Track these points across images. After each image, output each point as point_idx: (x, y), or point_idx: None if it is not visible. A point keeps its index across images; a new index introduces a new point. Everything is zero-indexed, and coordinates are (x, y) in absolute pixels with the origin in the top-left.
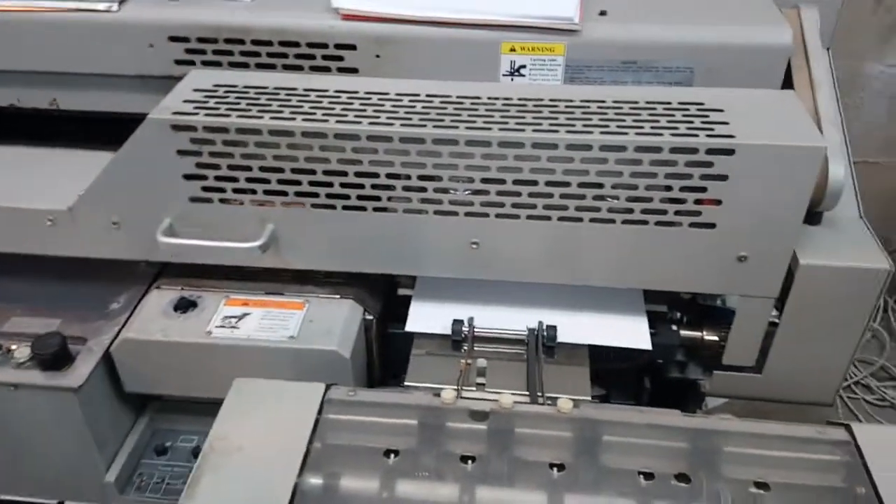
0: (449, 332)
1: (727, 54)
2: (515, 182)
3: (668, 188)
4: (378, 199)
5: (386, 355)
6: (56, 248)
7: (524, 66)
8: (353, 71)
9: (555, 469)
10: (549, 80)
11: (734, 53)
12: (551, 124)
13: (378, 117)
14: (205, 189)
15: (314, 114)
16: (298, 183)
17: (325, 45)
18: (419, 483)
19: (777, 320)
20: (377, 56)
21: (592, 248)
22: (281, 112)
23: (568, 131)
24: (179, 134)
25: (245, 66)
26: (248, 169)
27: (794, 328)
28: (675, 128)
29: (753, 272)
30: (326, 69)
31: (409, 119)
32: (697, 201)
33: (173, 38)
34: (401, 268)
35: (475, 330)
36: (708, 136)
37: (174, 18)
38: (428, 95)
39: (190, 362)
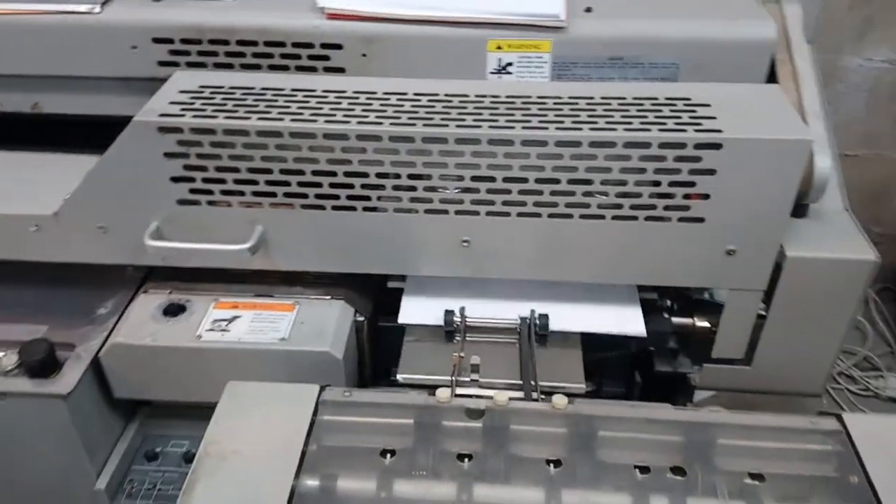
0: (441, 322)
1: (712, 49)
2: (505, 179)
3: (657, 183)
4: (368, 198)
5: (377, 349)
6: (41, 254)
7: (511, 64)
8: (340, 70)
9: (551, 465)
10: (537, 78)
11: (719, 49)
12: (540, 121)
13: (367, 116)
14: (192, 191)
15: (302, 114)
16: (287, 184)
17: (310, 45)
18: (416, 482)
19: (764, 313)
20: (363, 55)
21: (583, 244)
22: (268, 113)
23: (557, 128)
24: (166, 136)
25: (230, 66)
26: (236, 170)
27: (782, 320)
28: (663, 123)
29: (742, 265)
30: (312, 69)
31: (398, 118)
32: (686, 196)
33: (157, 40)
34: (392, 267)
35: (467, 320)
36: (696, 130)
37: (157, 20)
38: (416, 94)
39: (180, 367)
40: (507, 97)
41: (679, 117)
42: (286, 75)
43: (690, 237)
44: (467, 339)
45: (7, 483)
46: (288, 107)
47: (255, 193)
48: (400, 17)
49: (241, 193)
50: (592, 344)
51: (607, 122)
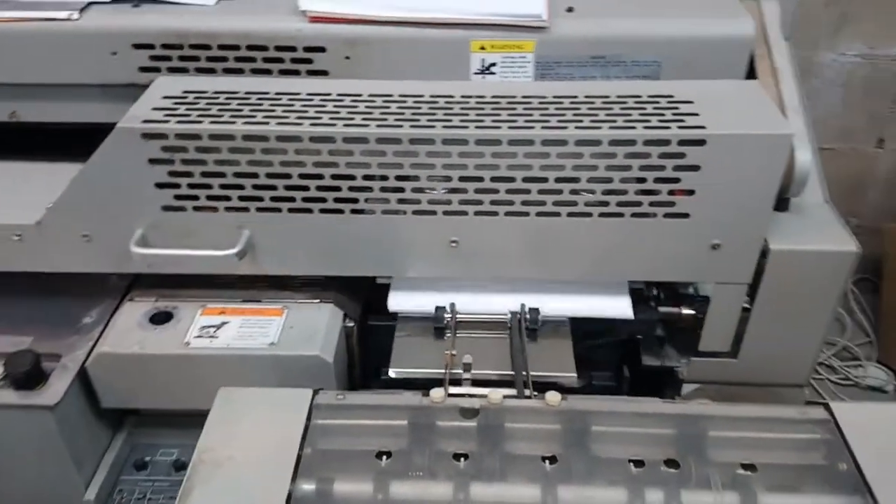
0: (430, 310)
1: (693, 47)
2: (493, 179)
3: (643, 180)
4: (355, 200)
5: (366, 350)
6: (24, 264)
7: (495, 64)
8: (323, 73)
9: (547, 462)
10: (520, 78)
11: (699, 46)
12: (526, 121)
13: (353, 119)
14: (178, 197)
15: (288, 117)
16: (274, 188)
17: (293, 48)
18: (413, 483)
19: (749, 306)
20: (347, 58)
21: (571, 242)
22: (253, 117)
23: (543, 127)
24: (150, 142)
25: (212, 71)
26: (222, 175)
27: (767, 312)
28: (647, 120)
29: (727, 259)
30: (296, 72)
31: (385, 120)
32: (671, 192)
33: (137, 46)
34: (381, 269)
35: (457, 316)
36: (679, 127)
37: (138, 25)
38: (401, 95)
39: (169, 374)
40: (493, 97)
41: (662, 114)
42: (270, 79)
43: (676, 233)
44: (458, 334)
45: None
46: (273, 110)
47: (242, 198)
48: (383, 19)
49: (228, 198)
50: (582, 334)
51: (592, 121)
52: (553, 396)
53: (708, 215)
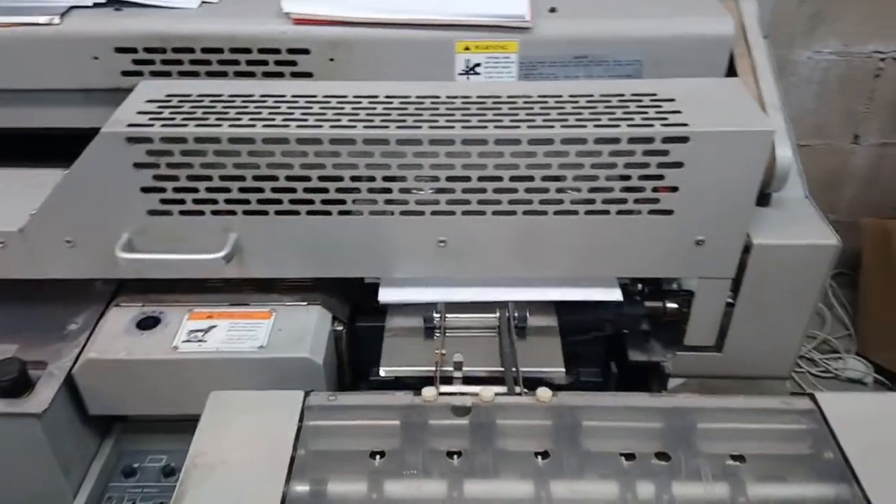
0: (421, 300)
1: (674, 46)
2: (480, 179)
3: (627, 177)
4: (343, 202)
5: (355, 351)
6: (8, 272)
7: (479, 65)
8: (308, 75)
9: (539, 457)
10: (504, 78)
11: (680, 45)
12: (512, 120)
13: (339, 120)
14: (163, 201)
15: (274, 119)
16: (261, 190)
17: (277, 51)
18: (407, 482)
19: (732, 301)
20: (331, 59)
21: (558, 240)
22: (239, 119)
23: (529, 126)
24: (135, 146)
25: (195, 74)
26: (209, 178)
27: (750, 306)
28: (631, 118)
29: (711, 254)
30: (280, 74)
31: (371, 121)
32: (655, 189)
33: (119, 49)
34: (369, 270)
35: (447, 317)
36: (662, 125)
37: (119, 29)
38: (387, 96)
39: (157, 379)
40: (478, 97)
41: (646, 112)
42: (255, 81)
43: (661, 229)
44: (447, 334)
45: None
46: (259, 112)
47: (228, 201)
48: (367, 20)
49: (214, 202)
50: (569, 330)
51: (577, 120)
52: (544, 393)
53: (692, 211)
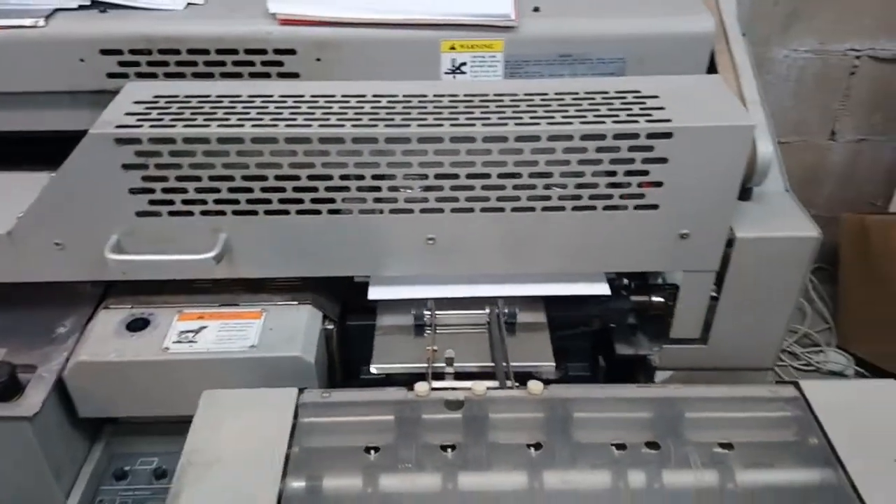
0: (410, 296)
1: (656, 44)
2: (468, 176)
3: (613, 173)
4: (332, 201)
5: (345, 349)
6: None
7: (465, 64)
8: (294, 76)
9: (532, 449)
10: (490, 76)
11: (662, 42)
12: (499, 118)
13: (328, 119)
14: (152, 202)
15: (262, 119)
16: (250, 190)
17: (263, 51)
18: (402, 476)
19: (716, 294)
20: (318, 60)
21: (546, 236)
22: (228, 119)
23: (516, 124)
24: (123, 147)
25: (181, 76)
26: (198, 179)
27: (734, 298)
28: (616, 115)
29: (695, 248)
30: (266, 75)
31: (360, 119)
32: (640, 184)
33: (105, 51)
34: (359, 269)
35: (437, 314)
36: (647, 121)
37: (105, 31)
38: (375, 96)
39: (148, 381)
40: (465, 96)
41: (630, 109)
42: (242, 82)
43: (646, 224)
44: (437, 331)
45: None
46: (247, 113)
47: (218, 201)
48: (353, 20)
49: (203, 202)
50: (557, 325)
51: (563, 117)
52: (535, 385)
53: (676, 206)
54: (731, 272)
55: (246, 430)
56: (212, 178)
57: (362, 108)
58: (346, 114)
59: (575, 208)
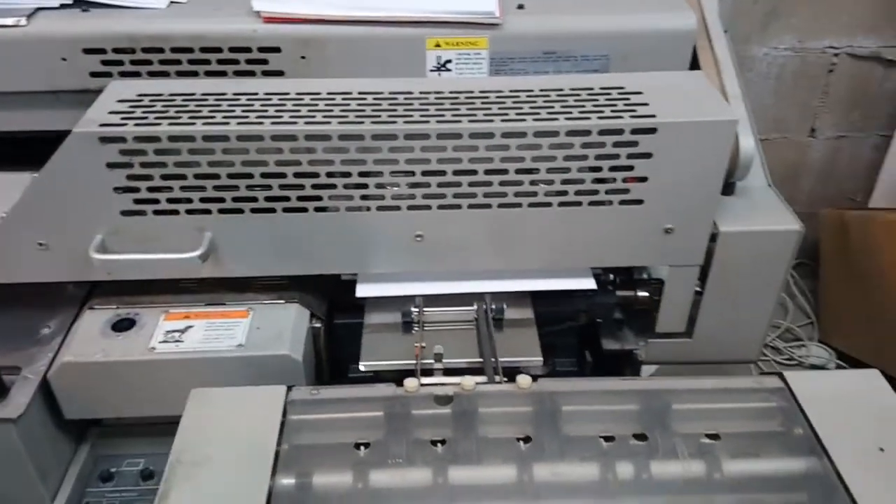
0: (398, 293)
1: (639, 40)
2: (455, 173)
3: (598, 169)
4: (319, 198)
5: (333, 347)
6: None
7: (450, 61)
8: (279, 74)
9: (521, 442)
10: (475, 74)
11: (645, 39)
12: (485, 115)
13: (313, 117)
14: (137, 201)
15: (247, 117)
16: (236, 188)
17: (248, 49)
18: (392, 471)
19: (700, 289)
20: (302, 57)
21: (532, 232)
22: (213, 117)
23: (502, 120)
24: (108, 146)
25: (165, 74)
26: (183, 177)
27: (718, 292)
28: (601, 111)
29: (680, 242)
30: (251, 73)
31: (346, 117)
32: (625, 180)
33: (88, 51)
34: (346, 267)
35: (424, 310)
36: (631, 117)
37: (87, 30)
38: (360, 93)
39: (135, 381)
40: (451, 93)
41: (615, 105)
42: (227, 80)
43: (631, 219)
44: (425, 328)
45: None
46: (232, 111)
47: (203, 200)
48: (338, 18)
49: (189, 200)
50: (545, 320)
51: (549, 113)
52: (524, 379)
53: (661, 201)
54: (715, 266)
55: (235, 427)
56: (197, 177)
57: (348, 105)
58: (332, 111)
59: (561, 204)
